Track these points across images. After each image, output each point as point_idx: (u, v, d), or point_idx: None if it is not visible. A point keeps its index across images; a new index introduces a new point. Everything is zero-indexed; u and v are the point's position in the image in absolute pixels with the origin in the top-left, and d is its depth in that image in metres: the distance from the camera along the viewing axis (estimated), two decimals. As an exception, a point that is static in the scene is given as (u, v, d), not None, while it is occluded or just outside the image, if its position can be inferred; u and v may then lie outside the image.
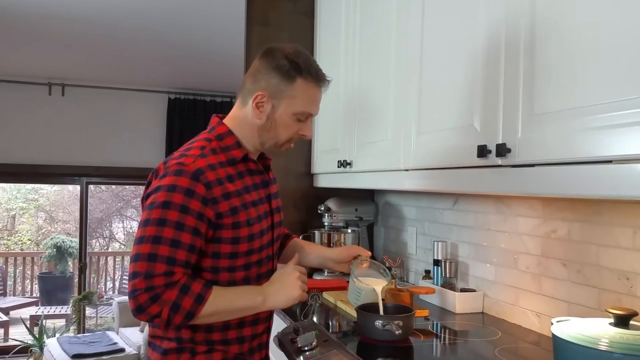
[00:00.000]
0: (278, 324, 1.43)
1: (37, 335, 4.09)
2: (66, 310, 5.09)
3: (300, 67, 1.07)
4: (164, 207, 0.97)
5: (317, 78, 1.09)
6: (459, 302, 1.56)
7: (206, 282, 1.01)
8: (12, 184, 7.40)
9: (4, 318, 4.88)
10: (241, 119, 1.11)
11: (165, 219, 0.97)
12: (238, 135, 1.11)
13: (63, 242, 6.39)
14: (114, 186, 7.51)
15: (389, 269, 1.67)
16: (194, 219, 0.98)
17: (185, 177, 0.99)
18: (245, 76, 1.13)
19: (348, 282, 1.86)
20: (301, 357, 1.19)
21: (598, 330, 0.88)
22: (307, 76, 1.07)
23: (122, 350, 3.47)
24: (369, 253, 1.31)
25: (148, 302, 0.95)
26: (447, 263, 1.67)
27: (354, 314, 1.35)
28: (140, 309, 0.95)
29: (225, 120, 1.13)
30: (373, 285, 1.29)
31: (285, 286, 1.06)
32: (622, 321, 0.89)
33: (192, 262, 1.00)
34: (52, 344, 3.57)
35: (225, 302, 1.01)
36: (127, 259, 6.17)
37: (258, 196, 1.10)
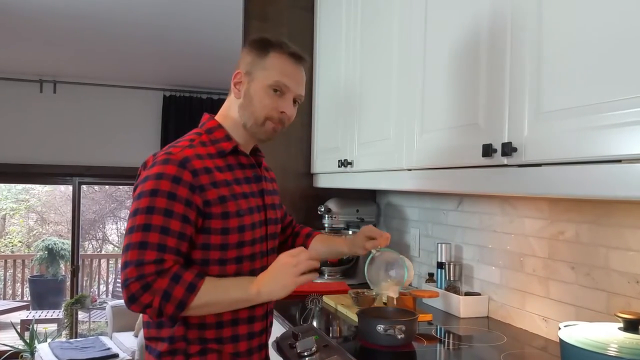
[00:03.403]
0: (277, 329, 1.40)
1: (28, 341, 4.06)
2: (58, 315, 5.02)
3: (272, 42, 1.11)
4: (152, 195, 0.98)
5: (290, 53, 1.11)
6: (463, 306, 1.54)
7: (199, 272, 1.00)
8: (2, 184, 7.32)
9: (-6, 322, 4.82)
10: (227, 109, 1.15)
11: (153, 207, 0.98)
12: (227, 129, 1.13)
13: (55, 244, 6.33)
14: (107, 186, 7.44)
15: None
16: (182, 206, 0.99)
17: (172, 164, 1.00)
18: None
19: (349, 285, 1.85)
20: (301, 363, 1.17)
21: (607, 335, 0.87)
22: (278, 49, 1.10)
23: (115, 355, 3.44)
24: (386, 242, 1.23)
25: (140, 291, 0.95)
26: (451, 266, 1.65)
27: (355, 318, 1.32)
28: (132, 298, 0.96)
29: (216, 117, 1.17)
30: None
31: (278, 275, 1.02)
32: (631, 326, 0.88)
33: (183, 251, 1.00)
34: (43, 350, 3.53)
35: (218, 293, 1.00)
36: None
37: (250, 189, 1.11)
